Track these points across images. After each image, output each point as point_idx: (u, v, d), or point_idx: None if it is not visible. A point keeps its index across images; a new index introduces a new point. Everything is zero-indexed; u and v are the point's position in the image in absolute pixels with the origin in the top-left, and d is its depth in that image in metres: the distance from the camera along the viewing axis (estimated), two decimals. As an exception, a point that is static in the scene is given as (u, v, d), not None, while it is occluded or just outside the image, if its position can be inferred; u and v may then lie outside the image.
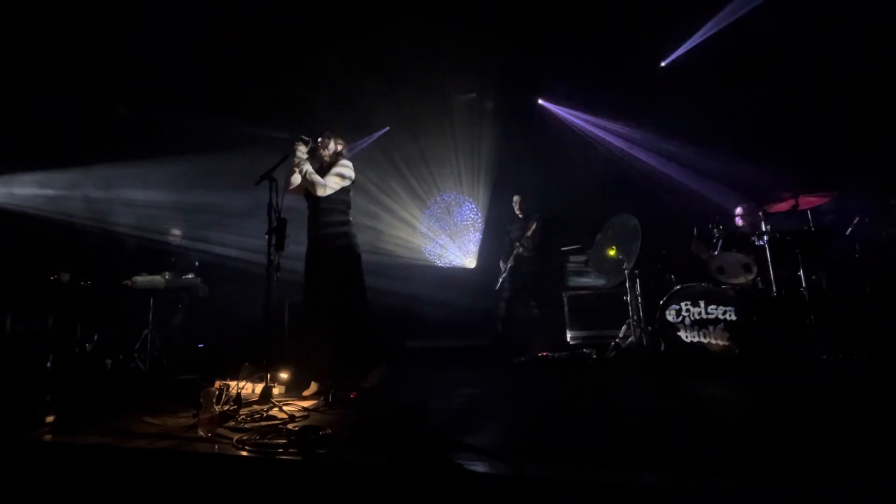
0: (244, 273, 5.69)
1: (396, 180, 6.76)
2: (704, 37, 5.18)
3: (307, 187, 3.09)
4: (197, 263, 5.41)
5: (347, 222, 3.17)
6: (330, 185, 3.07)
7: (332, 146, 3.23)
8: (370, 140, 6.79)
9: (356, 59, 5.59)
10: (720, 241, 4.41)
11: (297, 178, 3.12)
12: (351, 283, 3.08)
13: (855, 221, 4.22)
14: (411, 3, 4.81)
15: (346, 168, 3.14)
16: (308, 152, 3.14)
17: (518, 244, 4.92)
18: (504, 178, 6.32)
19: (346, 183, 3.15)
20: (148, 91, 5.80)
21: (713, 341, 3.87)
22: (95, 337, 4.78)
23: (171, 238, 5.57)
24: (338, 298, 3.00)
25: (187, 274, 5.17)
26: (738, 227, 4.54)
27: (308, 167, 3.07)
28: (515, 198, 5.11)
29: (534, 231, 4.87)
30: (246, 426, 2.10)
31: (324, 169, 3.16)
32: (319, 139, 3.20)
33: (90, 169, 6.02)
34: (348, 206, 3.21)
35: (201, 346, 5.39)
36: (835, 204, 4.38)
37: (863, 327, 3.60)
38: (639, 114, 5.69)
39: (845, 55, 4.47)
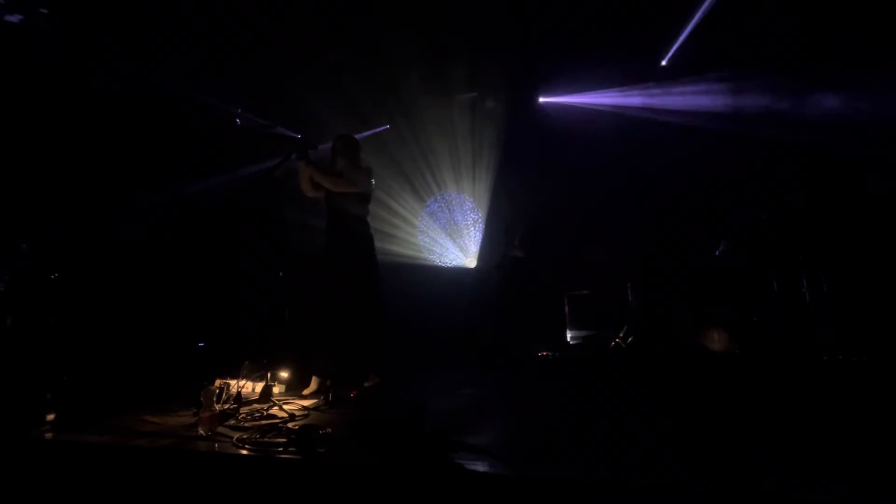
0: (246, 272, 5.66)
1: (396, 179, 6.74)
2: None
3: (323, 186, 3.05)
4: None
5: (365, 222, 3.17)
6: (348, 182, 3.03)
7: (346, 146, 3.19)
8: (369, 133, 6.77)
9: (357, 58, 5.58)
10: (722, 241, 4.37)
11: (312, 180, 3.07)
12: (366, 283, 3.09)
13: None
14: (412, 2, 4.80)
15: (363, 166, 3.14)
16: (318, 155, 3.11)
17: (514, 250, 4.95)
18: (504, 177, 6.30)
19: (364, 182, 3.11)
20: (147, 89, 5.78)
21: (713, 341, 3.87)
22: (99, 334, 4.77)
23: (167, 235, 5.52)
24: (353, 297, 3.00)
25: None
26: (739, 227, 4.53)
27: (319, 168, 3.04)
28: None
29: (519, 241, 4.90)
30: (246, 425, 2.10)
31: (340, 168, 3.12)
32: (337, 142, 3.19)
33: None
34: (366, 204, 3.19)
35: (201, 345, 5.38)
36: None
37: (863, 327, 3.59)
38: (639, 112, 5.68)
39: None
